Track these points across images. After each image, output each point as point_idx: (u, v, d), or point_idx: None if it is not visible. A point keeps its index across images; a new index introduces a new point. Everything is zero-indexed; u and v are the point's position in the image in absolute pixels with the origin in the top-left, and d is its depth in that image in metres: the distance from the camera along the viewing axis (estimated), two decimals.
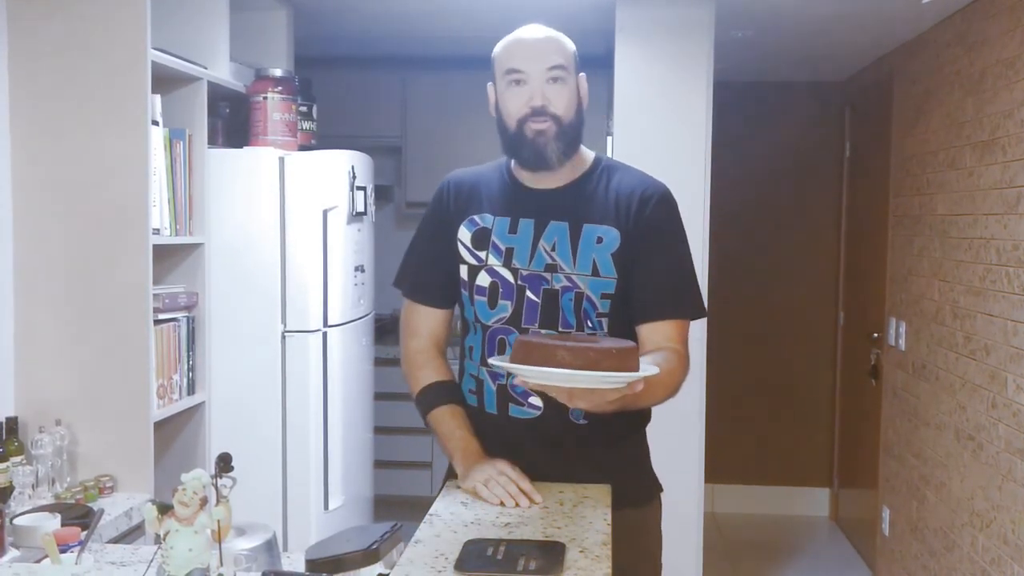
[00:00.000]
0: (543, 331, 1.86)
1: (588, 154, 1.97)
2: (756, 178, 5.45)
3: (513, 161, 1.97)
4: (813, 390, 5.56)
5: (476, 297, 1.93)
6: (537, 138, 1.85)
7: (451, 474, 1.96)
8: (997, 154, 3.25)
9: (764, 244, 5.53)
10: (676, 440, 3.64)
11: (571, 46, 1.91)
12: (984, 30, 3.40)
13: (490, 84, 1.93)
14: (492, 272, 1.91)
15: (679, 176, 3.61)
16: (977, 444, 3.36)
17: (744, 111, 5.34)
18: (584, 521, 1.65)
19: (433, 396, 1.97)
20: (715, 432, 4.04)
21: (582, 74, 1.91)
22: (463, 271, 1.95)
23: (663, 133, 3.70)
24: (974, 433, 3.39)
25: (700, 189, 3.68)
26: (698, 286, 1.98)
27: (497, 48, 1.92)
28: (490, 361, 1.80)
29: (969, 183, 3.49)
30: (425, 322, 2.03)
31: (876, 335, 4.64)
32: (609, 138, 4.20)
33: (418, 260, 2.05)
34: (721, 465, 5.26)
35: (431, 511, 1.75)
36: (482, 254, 1.93)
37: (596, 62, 4.36)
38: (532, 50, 1.86)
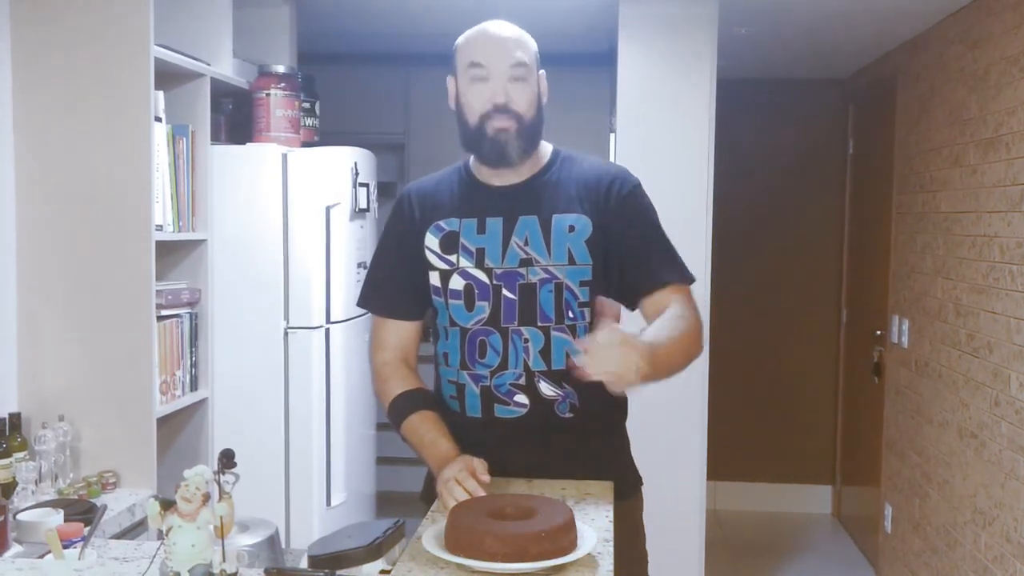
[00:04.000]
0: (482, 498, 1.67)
1: (546, 147, 1.97)
2: (759, 174, 5.45)
3: (472, 159, 1.96)
4: (816, 387, 5.56)
5: (451, 301, 1.91)
6: (499, 135, 1.85)
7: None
8: (1001, 151, 3.25)
9: (767, 240, 5.52)
10: (678, 437, 3.64)
11: (534, 45, 1.92)
12: (988, 27, 3.39)
13: (450, 77, 1.94)
14: (465, 274, 1.90)
15: (682, 172, 3.65)
16: (980, 442, 3.36)
17: (747, 108, 5.33)
18: (587, 518, 1.65)
19: (404, 405, 1.93)
20: (717, 429, 4.03)
21: (542, 71, 1.92)
22: (434, 277, 1.92)
23: (666, 130, 3.70)
24: (977, 431, 3.39)
25: (703, 185, 3.67)
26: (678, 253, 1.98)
27: (460, 40, 1.92)
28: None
29: (973, 180, 3.48)
30: (394, 335, 2.00)
31: (879, 332, 4.63)
32: (612, 135, 4.20)
33: (384, 275, 2.02)
34: (723, 462, 5.26)
35: (433, 507, 1.75)
36: (452, 257, 1.91)
37: (599, 59, 4.37)
38: (496, 46, 1.86)
